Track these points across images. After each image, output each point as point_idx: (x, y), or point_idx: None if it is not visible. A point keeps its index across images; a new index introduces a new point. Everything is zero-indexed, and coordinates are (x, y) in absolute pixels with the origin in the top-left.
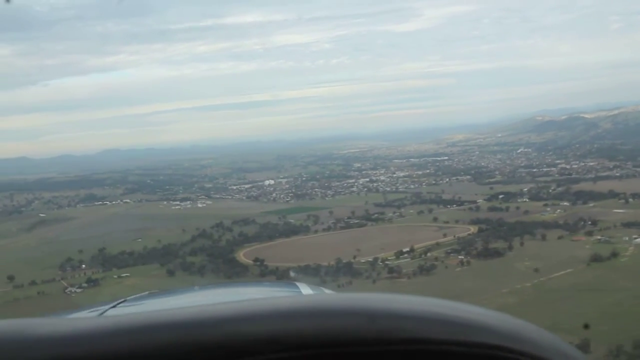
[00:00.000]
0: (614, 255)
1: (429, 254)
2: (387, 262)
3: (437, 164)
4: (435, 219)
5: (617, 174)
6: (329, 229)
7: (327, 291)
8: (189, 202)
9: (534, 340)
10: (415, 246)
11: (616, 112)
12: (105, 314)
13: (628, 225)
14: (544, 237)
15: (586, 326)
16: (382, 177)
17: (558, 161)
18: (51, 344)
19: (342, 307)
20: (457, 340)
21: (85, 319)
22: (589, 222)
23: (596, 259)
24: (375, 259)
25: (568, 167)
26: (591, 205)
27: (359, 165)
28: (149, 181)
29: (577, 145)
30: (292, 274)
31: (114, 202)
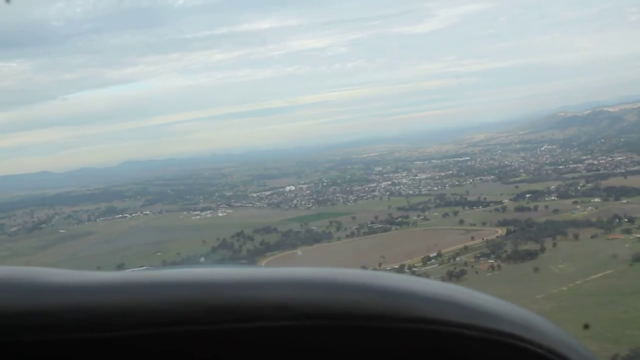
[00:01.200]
0: None
1: (457, 259)
2: (414, 269)
3: (460, 164)
4: (461, 222)
5: None
6: (352, 235)
7: None
8: (209, 211)
9: (543, 330)
10: (443, 251)
11: (639, 104)
12: None
13: None
14: (576, 237)
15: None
16: (404, 180)
17: (584, 157)
18: (61, 292)
19: (357, 281)
20: (471, 325)
21: (96, 272)
22: (625, 219)
23: (638, 258)
24: (402, 266)
25: (595, 162)
26: (624, 201)
27: (379, 168)
28: (169, 191)
29: (603, 140)
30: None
31: (134, 215)
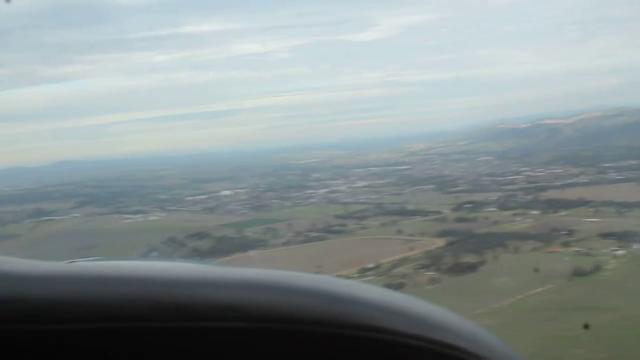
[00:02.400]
0: (597, 269)
1: (395, 270)
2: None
3: (399, 173)
4: (400, 231)
5: (584, 181)
6: (288, 243)
7: None
8: (141, 215)
9: (487, 343)
10: (381, 261)
11: (576, 118)
12: None
13: (605, 235)
14: (517, 249)
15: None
16: (342, 188)
17: (523, 168)
18: (9, 281)
19: (306, 286)
20: (417, 335)
21: (46, 262)
22: (564, 232)
23: (578, 273)
24: (339, 277)
25: (534, 174)
26: (562, 213)
27: (318, 175)
28: (101, 193)
29: (541, 152)
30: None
31: (62, 217)
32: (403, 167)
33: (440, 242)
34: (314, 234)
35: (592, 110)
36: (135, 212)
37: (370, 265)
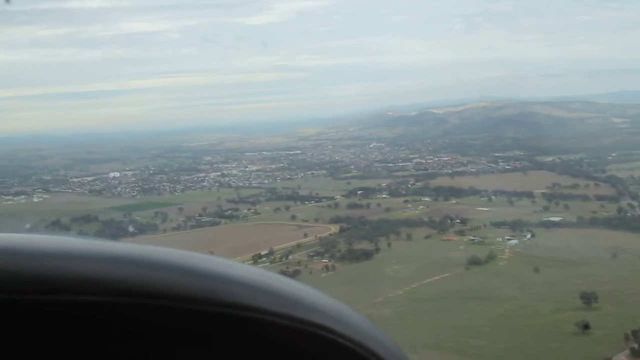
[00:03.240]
0: (492, 257)
1: (290, 257)
2: None
3: (291, 157)
4: (293, 217)
5: (473, 170)
6: (178, 227)
7: None
8: (23, 196)
9: (354, 324)
10: (275, 248)
11: (461, 108)
12: None
13: (497, 224)
14: (410, 237)
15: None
16: (234, 171)
17: (412, 156)
18: None
19: (173, 261)
20: (283, 314)
21: None
22: (458, 220)
23: (474, 262)
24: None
25: (423, 161)
26: (453, 201)
27: (209, 158)
28: None
29: (429, 140)
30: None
31: None
32: (295, 152)
33: (334, 228)
34: (206, 219)
35: (477, 101)
36: (16, 194)
37: (264, 252)
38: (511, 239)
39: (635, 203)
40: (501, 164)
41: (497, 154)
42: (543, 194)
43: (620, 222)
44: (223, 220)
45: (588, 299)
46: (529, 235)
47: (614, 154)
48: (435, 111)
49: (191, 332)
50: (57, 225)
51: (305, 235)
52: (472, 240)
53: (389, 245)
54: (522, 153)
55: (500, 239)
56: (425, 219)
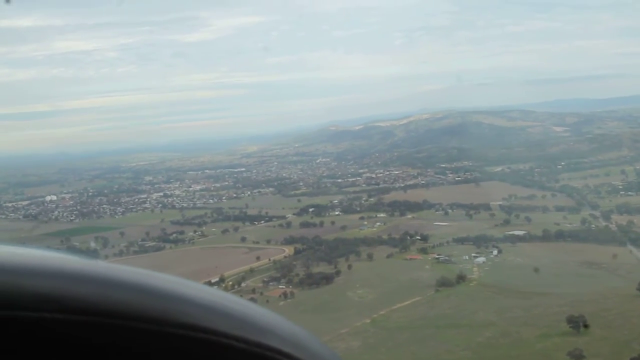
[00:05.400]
0: (461, 278)
1: (243, 284)
2: None
3: (235, 175)
4: (243, 239)
5: (423, 182)
6: (120, 253)
7: None
8: None
9: (311, 348)
10: (226, 274)
11: (405, 121)
12: None
13: (460, 240)
14: (370, 257)
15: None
16: (177, 192)
17: (361, 170)
18: None
19: (129, 280)
20: (240, 337)
21: None
22: (418, 237)
23: (444, 283)
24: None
25: (373, 176)
26: (409, 216)
27: (150, 178)
28: None
29: (377, 154)
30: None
31: None
32: (239, 170)
33: (289, 250)
34: (150, 244)
35: (419, 113)
36: None
37: (214, 279)
38: (477, 257)
39: (597, 213)
40: (450, 175)
41: (443, 165)
42: (500, 206)
43: (587, 235)
44: (168, 245)
45: (575, 322)
46: (495, 252)
47: (563, 163)
48: (380, 124)
49: (144, 352)
50: None
51: (258, 258)
52: (437, 258)
53: (350, 267)
54: (469, 163)
55: (466, 257)
56: (384, 237)
